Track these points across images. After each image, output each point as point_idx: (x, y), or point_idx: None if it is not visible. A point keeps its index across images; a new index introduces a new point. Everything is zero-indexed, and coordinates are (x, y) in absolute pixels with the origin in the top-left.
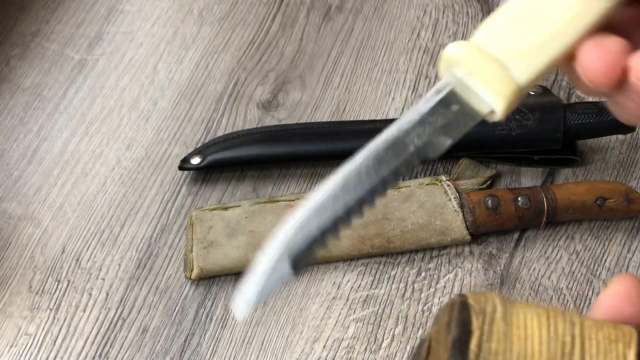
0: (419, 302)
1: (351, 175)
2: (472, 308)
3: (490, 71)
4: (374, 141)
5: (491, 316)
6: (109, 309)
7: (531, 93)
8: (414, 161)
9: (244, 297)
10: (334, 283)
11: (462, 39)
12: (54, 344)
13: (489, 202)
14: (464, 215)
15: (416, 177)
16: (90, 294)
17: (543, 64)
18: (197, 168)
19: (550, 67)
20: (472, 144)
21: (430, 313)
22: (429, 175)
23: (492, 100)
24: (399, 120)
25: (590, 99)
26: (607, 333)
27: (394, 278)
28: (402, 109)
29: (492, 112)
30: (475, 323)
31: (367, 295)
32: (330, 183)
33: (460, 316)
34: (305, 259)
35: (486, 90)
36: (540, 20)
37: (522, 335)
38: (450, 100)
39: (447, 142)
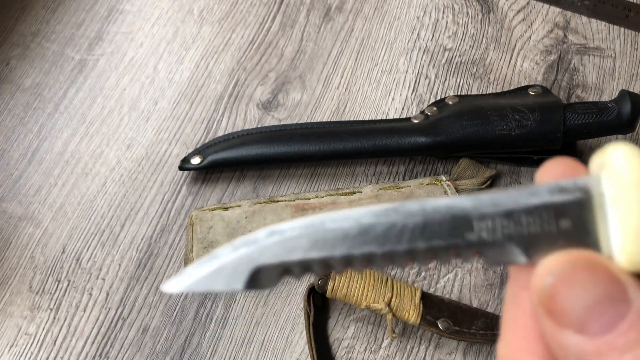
0: None
1: (385, 222)
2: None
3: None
4: (437, 202)
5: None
6: (109, 308)
7: (531, 93)
8: (463, 253)
9: (181, 279)
10: None
11: (462, 39)
12: (54, 343)
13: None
14: None
15: (416, 177)
16: (90, 294)
17: None
18: (197, 168)
19: None
20: (472, 143)
21: None
22: (429, 175)
23: (616, 251)
24: (486, 194)
25: (590, 99)
26: (405, 283)
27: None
28: (402, 109)
29: (609, 257)
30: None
31: None
32: (353, 215)
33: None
34: (269, 280)
35: (619, 236)
36: None
37: (358, 275)
38: (568, 211)
39: (518, 258)
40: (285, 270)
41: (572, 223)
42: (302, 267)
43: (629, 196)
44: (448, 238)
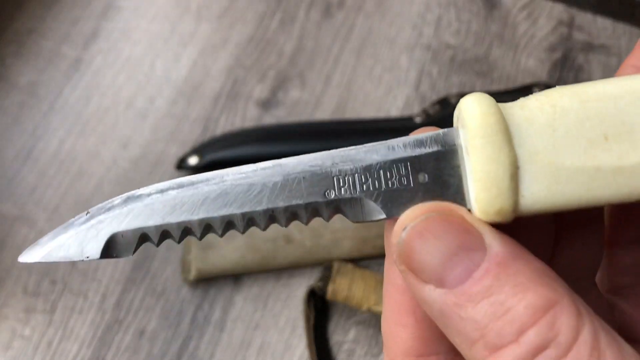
0: None
1: (244, 183)
2: (333, 267)
3: (489, 167)
4: (295, 160)
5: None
6: (105, 311)
7: (535, 92)
8: (323, 212)
9: (36, 248)
10: None
11: (464, 36)
12: (50, 346)
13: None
14: None
15: None
16: (86, 296)
17: (574, 199)
18: (195, 167)
19: (579, 207)
20: None
21: None
22: None
23: (473, 202)
24: (345, 150)
25: None
26: None
27: None
28: (404, 108)
29: (470, 211)
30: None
31: None
32: (212, 176)
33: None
34: (126, 248)
35: (472, 185)
36: (631, 142)
37: (359, 277)
38: (426, 165)
39: (377, 214)
40: (142, 237)
41: (431, 176)
42: (160, 233)
43: (476, 144)
44: (307, 197)
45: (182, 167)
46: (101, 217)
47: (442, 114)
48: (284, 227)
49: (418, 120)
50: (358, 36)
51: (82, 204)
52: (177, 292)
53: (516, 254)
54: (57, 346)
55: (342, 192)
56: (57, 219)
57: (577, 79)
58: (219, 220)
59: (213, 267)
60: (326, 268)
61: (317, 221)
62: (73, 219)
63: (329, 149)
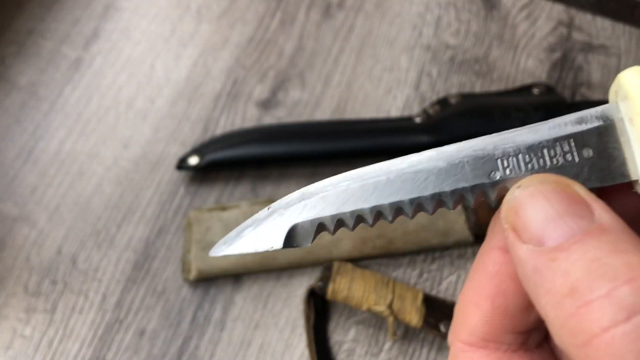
0: None
1: (410, 171)
2: (333, 267)
3: None
4: (460, 146)
5: (342, 270)
6: (106, 311)
7: (535, 92)
8: (490, 192)
9: (226, 244)
10: None
11: (464, 36)
12: (50, 346)
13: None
14: (467, 216)
15: None
16: (86, 296)
17: None
18: (195, 168)
19: None
20: None
21: None
22: None
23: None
24: (507, 132)
25: (595, 98)
26: (406, 285)
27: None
28: (404, 108)
29: (637, 182)
30: (334, 274)
31: None
32: (382, 167)
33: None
34: (305, 237)
35: (639, 151)
36: None
37: (359, 276)
38: (589, 140)
39: None
40: (320, 227)
41: (595, 151)
42: (336, 222)
43: None
44: (473, 179)
45: (182, 167)
46: (281, 211)
47: (442, 114)
48: (452, 210)
49: (418, 120)
50: (358, 36)
51: (83, 204)
52: (177, 291)
53: (624, 228)
54: (58, 346)
55: (507, 172)
56: (58, 218)
57: (576, 79)
58: (388, 206)
59: (213, 266)
60: (326, 268)
61: None
62: (256, 215)
63: (329, 149)
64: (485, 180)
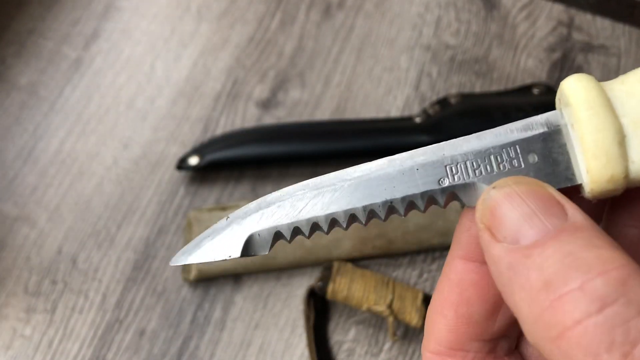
0: None
1: (365, 177)
2: (333, 267)
3: (597, 136)
4: (409, 155)
5: (342, 270)
6: (106, 311)
7: (535, 92)
8: (439, 199)
9: (185, 254)
10: None
11: (464, 36)
12: (50, 346)
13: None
14: None
15: None
16: (86, 296)
17: None
18: (195, 168)
19: None
20: None
21: None
22: None
23: (583, 174)
24: (456, 140)
25: None
26: (406, 285)
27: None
28: (404, 108)
29: (581, 185)
30: (334, 274)
31: None
32: (337, 176)
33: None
34: (261, 246)
35: (582, 157)
36: None
37: (359, 276)
38: (535, 146)
39: None
40: (276, 235)
41: (540, 156)
42: (292, 230)
43: (581, 116)
44: (423, 186)
45: (182, 167)
46: (239, 220)
47: (442, 114)
48: (403, 217)
49: (418, 120)
50: (358, 36)
51: (83, 204)
52: (177, 292)
53: (596, 226)
54: (58, 346)
55: (456, 179)
56: (58, 218)
57: None
58: (343, 214)
59: (213, 267)
60: (326, 268)
61: None
62: (215, 225)
63: (329, 149)
64: (435, 187)
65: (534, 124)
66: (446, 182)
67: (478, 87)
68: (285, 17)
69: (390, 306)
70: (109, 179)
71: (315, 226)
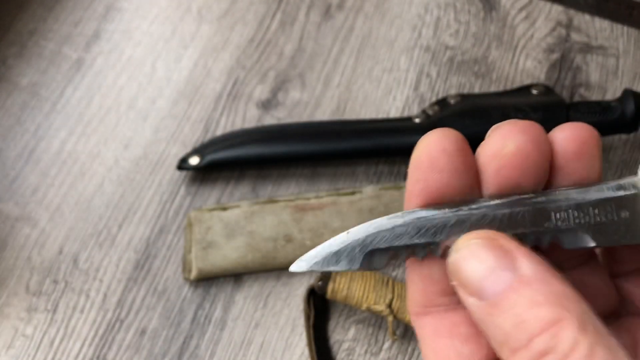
0: None
1: (477, 214)
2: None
3: None
4: (522, 197)
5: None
6: (107, 310)
7: (533, 92)
8: (544, 238)
9: (307, 257)
10: None
11: (463, 37)
12: (52, 345)
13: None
14: None
15: None
16: (87, 295)
17: None
18: (195, 168)
19: None
20: (474, 143)
21: None
22: None
23: None
24: (559, 190)
25: (593, 98)
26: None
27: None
28: (403, 108)
29: None
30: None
31: None
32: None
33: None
34: (380, 262)
35: None
36: None
37: (359, 276)
38: (626, 204)
39: (588, 243)
40: (394, 254)
41: (630, 213)
42: (409, 251)
43: None
44: (531, 227)
45: (183, 167)
46: (360, 237)
47: (441, 114)
48: None
49: (417, 120)
50: (357, 37)
51: (84, 204)
52: (178, 291)
53: (541, 276)
54: (59, 345)
55: (559, 224)
56: (59, 218)
57: (575, 80)
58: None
59: (214, 266)
60: None
61: (316, 221)
62: (336, 237)
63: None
64: (541, 228)
65: (627, 185)
66: (551, 226)
67: (477, 88)
68: (286, 18)
69: (389, 305)
70: (110, 179)
71: (431, 249)
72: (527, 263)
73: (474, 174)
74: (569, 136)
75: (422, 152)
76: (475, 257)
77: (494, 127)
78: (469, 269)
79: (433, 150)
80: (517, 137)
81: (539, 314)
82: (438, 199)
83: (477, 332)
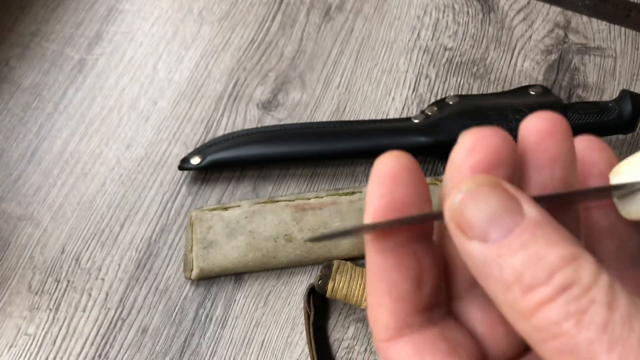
0: None
1: None
2: (333, 265)
3: None
4: None
5: (342, 269)
6: (109, 309)
7: (532, 93)
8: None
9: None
10: None
11: (462, 39)
12: (54, 344)
13: None
14: None
15: None
16: (89, 294)
17: None
18: (196, 168)
19: None
20: None
21: None
22: (429, 175)
23: None
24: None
25: (591, 99)
26: None
27: None
28: (402, 109)
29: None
30: (334, 273)
31: None
32: None
33: (327, 270)
34: None
35: None
36: None
37: (359, 275)
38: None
39: None
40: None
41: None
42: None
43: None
44: None
45: (184, 167)
46: None
47: (440, 115)
48: None
49: (416, 121)
50: (357, 39)
51: (86, 204)
52: (179, 290)
53: (549, 220)
54: (61, 344)
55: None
56: (61, 218)
57: (572, 81)
58: None
59: (215, 265)
60: (326, 267)
61: (316, 221)
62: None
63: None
64: None
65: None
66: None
67: (476, 89)
68: (286, 20)
69: None
70: (112, 179)
71: None
72: (533, 208)
73: (426, 190)
74: (534, 123)
75: (384, 169)
76: (482, 198)
77: (463, 133)
78: (475, 210)
79: (394, 167)
80: (487, 136)
81: (557, 250)
82: (402, 213)
83: (453, 345)
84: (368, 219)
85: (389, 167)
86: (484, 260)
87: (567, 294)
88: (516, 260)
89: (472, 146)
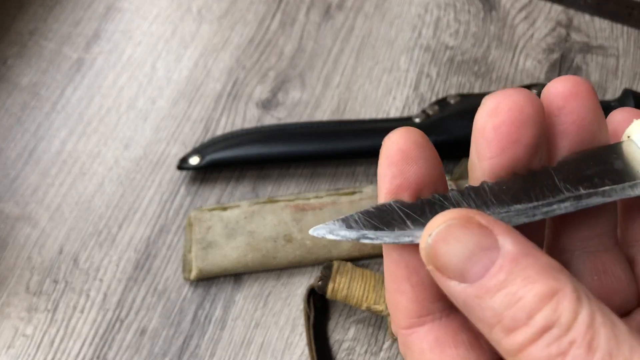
0: None
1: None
2: (333, 266)
3: None
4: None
5: (342, 270)
6: (107, 310)
7: (533, 92)
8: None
9: (325, 227)
10: None
11: (463, 37)
12: (52, 345)
13: None
14: None
15: None
16: (88, 295)
17: None
18: (195, 168)
19: None
20: None
21: None
22: None
23: None
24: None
25: None
26: None
27: None
28: (403, 108)
29: None
30: (334, 274)
31: None
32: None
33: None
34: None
35: None
36: None
37: (359, 276)
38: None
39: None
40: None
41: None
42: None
43: None
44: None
45: (183, 167)
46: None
47: (441, 114)
48: None
49: (417, 120)
50: (357, 37)
51: (84, 204)
52: (178, 291)
53: (525, 251)
54: (59, 345)
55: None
56: (59, 218)
57: None
58: None
59: (214, 266)
60: (326, 267)
61: (316, 221)
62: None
63: (329, 149)
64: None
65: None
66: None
67: (477, 88)
68: (286, 18)
69: None
70: (110, 179)
71: None
72: (509, 239)
73: (439, 165)
74: (555, 86)
75: (392, 148)
76: (453, 238)
77: (486, 96)
78: (448, 252)
79: (403, 145)
80: (510, 95)
81: (534, 289)
82: (416, 193)
83: (475, 335)
84: (381, 200)
85: (399, 145)
86: (464, 301)
87: (548, 336)
88: (495, 302)
89: (494, 107)
